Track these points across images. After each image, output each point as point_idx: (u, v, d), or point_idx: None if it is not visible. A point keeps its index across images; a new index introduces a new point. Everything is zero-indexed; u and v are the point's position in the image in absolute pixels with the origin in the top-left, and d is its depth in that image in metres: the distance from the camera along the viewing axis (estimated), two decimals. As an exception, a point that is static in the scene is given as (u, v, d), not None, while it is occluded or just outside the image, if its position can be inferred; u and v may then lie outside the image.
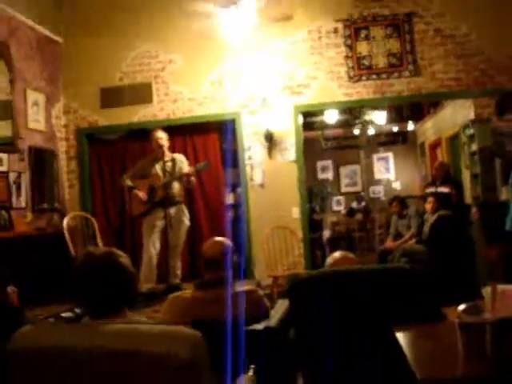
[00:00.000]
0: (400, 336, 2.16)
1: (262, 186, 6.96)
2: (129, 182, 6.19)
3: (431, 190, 7.09)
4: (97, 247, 1.95)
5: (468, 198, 7.97)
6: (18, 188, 6.19)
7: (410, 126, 12.48)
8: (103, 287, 1.79)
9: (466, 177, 8.50)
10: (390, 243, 7.39)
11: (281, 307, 3.22)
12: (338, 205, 13.41)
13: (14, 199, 6.10)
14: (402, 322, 2.34)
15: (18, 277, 3.55)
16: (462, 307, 1.90)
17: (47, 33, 7.01)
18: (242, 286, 3.03)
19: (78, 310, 2.59)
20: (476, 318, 1.86)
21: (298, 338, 2.90)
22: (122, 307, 1.83)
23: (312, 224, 8.03)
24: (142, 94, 7.13)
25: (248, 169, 6.99)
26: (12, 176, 6.10)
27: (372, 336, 2.62)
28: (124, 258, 1.86)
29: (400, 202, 7.63)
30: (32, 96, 6.60)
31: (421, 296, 2.74)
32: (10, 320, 3.09)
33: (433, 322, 2.37)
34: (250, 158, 6.99)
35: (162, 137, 6.10)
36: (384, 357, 2.51)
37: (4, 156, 5.98)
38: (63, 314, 4.51)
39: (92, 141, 7.45)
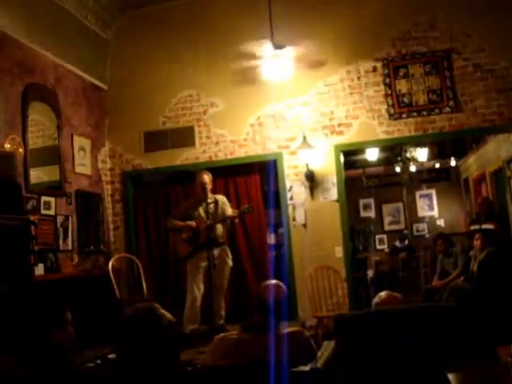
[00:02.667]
0: (453, 378, 2.10)
1: (304, 225, 6.94)
2: (174, 224, 6.28)
3: (475, 226, 6.97)
4: (144, 304, 1.88)
5: (515, 233, 7.78)
6: (65, 231, 6.33)
7: (453, 162, 12.32)
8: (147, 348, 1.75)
9: (512, 212, 8.32)
10: (436, 282, 7.22)
11: (327, 348, 3.18)
12: (382, 243, 13.21)
13: (60, 242, 6.23)
14: (452, 361, 2.28)
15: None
16: (515, 347, 1.85)
17: (93, 80, 7.26)
18: (288, 328, 3.00)
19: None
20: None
21: (346, 379, 2.85)
22: None
23: (355, 263, 7.93)
24: (184, 137, 7.26)
25: (290, 209, 6.99)
26: (59, 219, 6.24)
27: (422, 376, 2.55)
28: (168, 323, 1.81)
29: (445, 239, 7.47)
30: (78, 141, 6.80)
31: (471, 336, 2.67)
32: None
33: (485, 362, 2.30)
34: (291, 198, 6.99)
35: (207, 181, 6.16)
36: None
37: (52, 200, 6.14)
38: (110, 356, 4.56)
39: (136, 184, 7.59)
